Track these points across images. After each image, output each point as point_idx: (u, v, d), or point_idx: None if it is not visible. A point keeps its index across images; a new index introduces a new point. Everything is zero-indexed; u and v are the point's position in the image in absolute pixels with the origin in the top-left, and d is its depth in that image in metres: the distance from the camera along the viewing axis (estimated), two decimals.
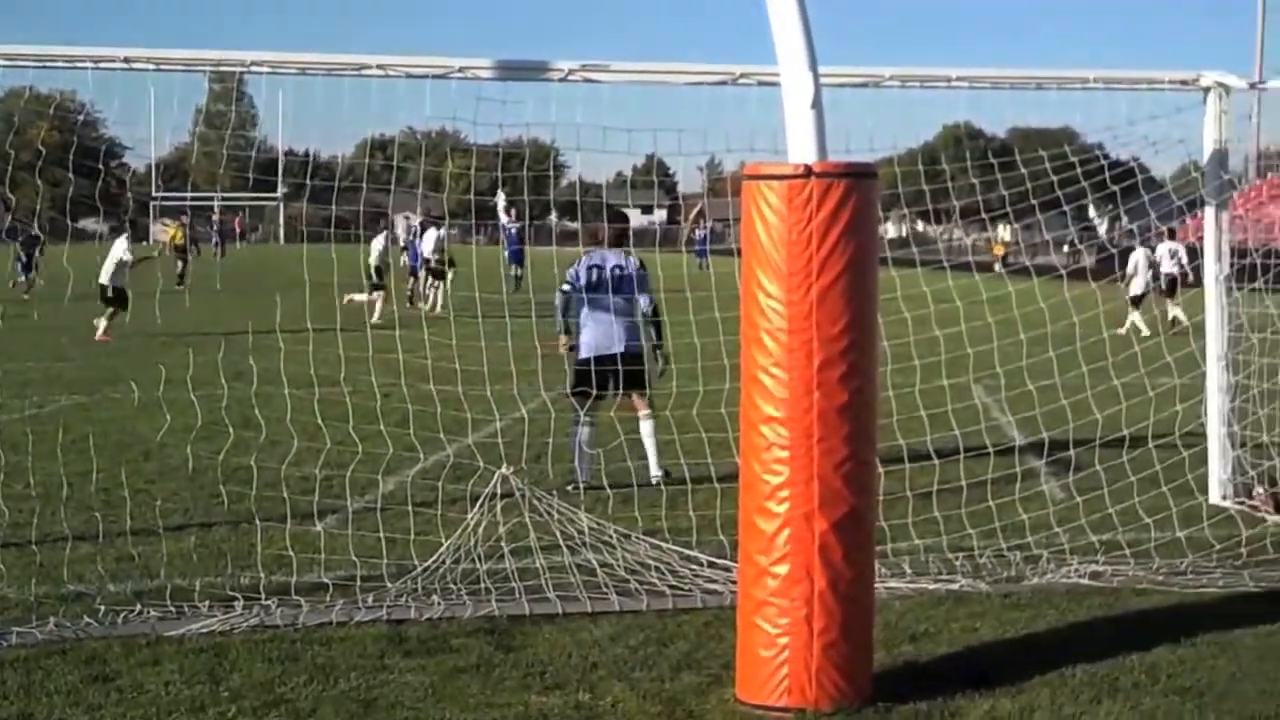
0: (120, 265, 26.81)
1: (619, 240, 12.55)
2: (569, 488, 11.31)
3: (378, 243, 32.03)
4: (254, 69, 9.23)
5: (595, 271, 12.16)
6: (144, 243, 41.62)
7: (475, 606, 8.30)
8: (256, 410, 10.70)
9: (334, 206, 10.42)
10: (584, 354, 12.07)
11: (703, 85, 9.87)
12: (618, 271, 12.14)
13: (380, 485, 10.85)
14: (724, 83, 9.80)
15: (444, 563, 8.90)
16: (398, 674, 7.24)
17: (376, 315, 28.31)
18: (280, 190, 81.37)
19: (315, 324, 10.50)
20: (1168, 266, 29.65)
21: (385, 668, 7.34)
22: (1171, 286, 29.02)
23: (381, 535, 9.42)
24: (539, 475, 11.04)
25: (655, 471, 11.95)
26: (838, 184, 6.64)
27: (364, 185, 10.50)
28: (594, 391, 11.83)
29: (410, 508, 9.92)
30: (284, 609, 8.21)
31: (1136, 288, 27.04)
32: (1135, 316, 24.78)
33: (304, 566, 9.04)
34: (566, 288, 12.21)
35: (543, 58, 9.59)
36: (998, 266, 35.81)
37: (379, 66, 9.20)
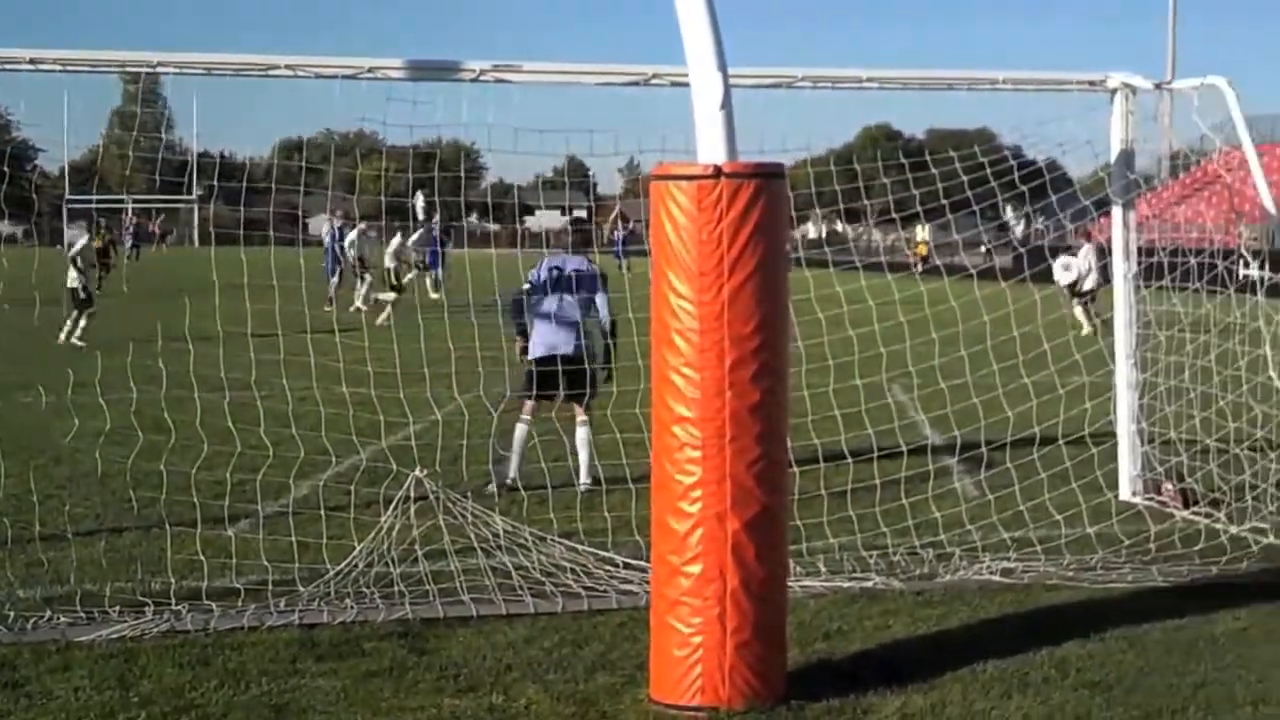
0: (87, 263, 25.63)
1: (583, 244, 12.58)
2: (493, 485, 11.31)
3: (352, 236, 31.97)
4: (160, 69, 9.14)
5: (556, 271, 12.15)
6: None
7: (389, 610, 8.25)
8: (167, 414, 10.57)
9: (242, 208, 10.33)
10: (536, 353, 12.05)
11: (614, 85, 9.88)
12: (575, 275, 12.15)
13: (293, 489, 10.75)
14: (636, 83, 9.82)
15: (357, 566, 8.84)
16: (309, 678, 7.18)
17: (381, 315, 28.25)
18: (194, 192, 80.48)
19: (226, 327, 10.38)
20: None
21: (297, 672, 7.28)
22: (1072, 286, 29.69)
23: (294, 539, 9.35)
24: (454, 478, 10.98)
25: (584, 480, 11.87)
26: (747, 184, 6.66)
27: (273, 186, 10.39)
28: (541, 392, 11.80)
29: (323, 511, 9.84)
30: (195, 614, 8.14)
31: (1089, 284, 26.82)
32: (1079, 310, 24.15)
33: (215, 571, 8.94)
34: (527, 286, 12.17)
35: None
36: (917, 267, 36.23)
37: (287, 67, 9.13)
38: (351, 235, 32.67)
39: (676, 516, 6.80)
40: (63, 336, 24.32)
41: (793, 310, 7.32)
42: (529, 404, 12.08)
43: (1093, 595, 8.83)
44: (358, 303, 31.44)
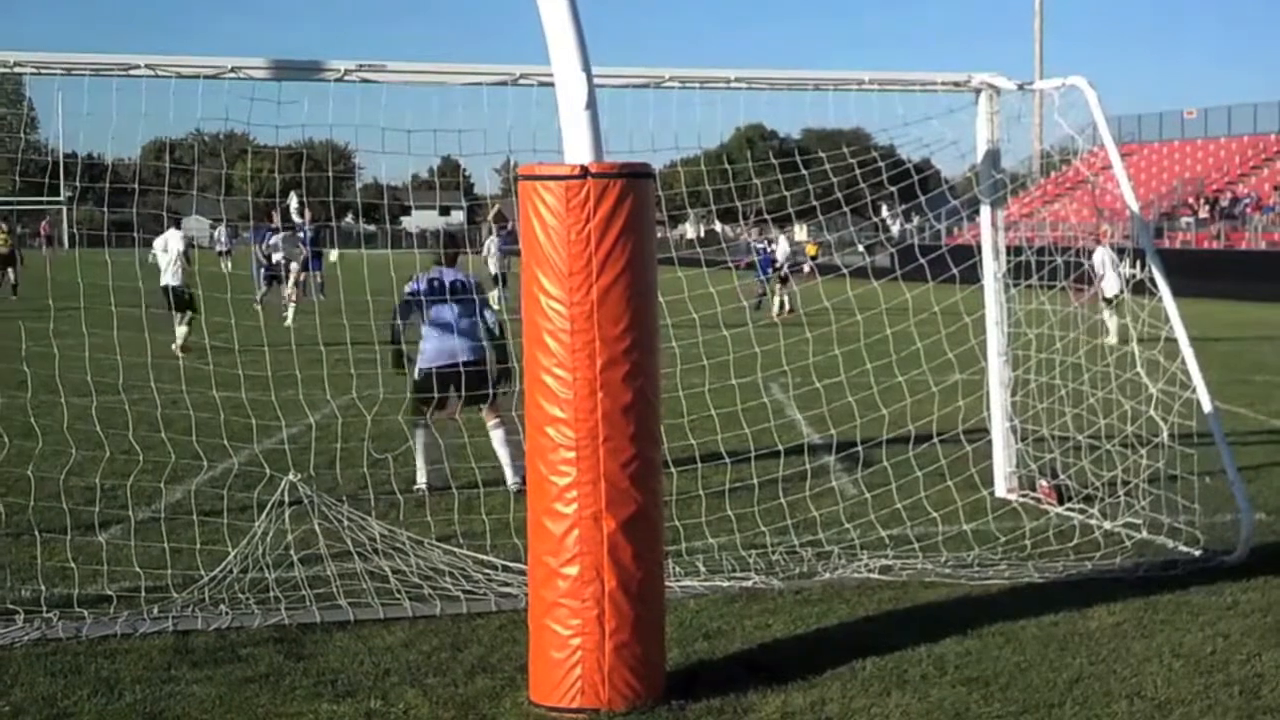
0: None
1: (455, 260, 12.45)
2: (414, 488, 11.33)
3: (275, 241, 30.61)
4: (17, 69, 8.91)
5: (436, 283, 12.05)
6: None
7: (264, 615, 8.13)
8: (34, 419, 10.33)
9: (105, 209, 10.10)
10: (424, 364, 11.93)
11: (481, 85, 9.81)
12: (459, 285, 12.06)
13: (165, 494, 10.56)
14: (504, 83, 9.76)
15: (231, 572, 8.70)
16: (184, 685, 7.05)
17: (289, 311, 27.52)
18: (63, 194, 78.79)
19: (92, 330, 10.16)
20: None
21: (172, 679, 7.14)
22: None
23: (166, 545, 9.17)
24: (330, 482, 10.86)
25: (512, 479, 11.77)
26: (614, 184, 6.64)
27: (136, 187, 10.17)
28: (434, 397, 11.70)
29: (196, 517, 9.68)
30: (66, 621, 7.96)
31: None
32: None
33: (87, 578, 8.75)
34: (408, 296, 12.05)
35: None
36: (806, 266, 36.81)
37: (147, 66, 8.95)
38: (275, 239, 30.99)
39: (552, 518, 6.77)
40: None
41: (667, 311, 7.32)
42: (424, 410, 11.93)
43: (970, 592, 8.93)
44: (288, 317, 28.28)
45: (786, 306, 32.48)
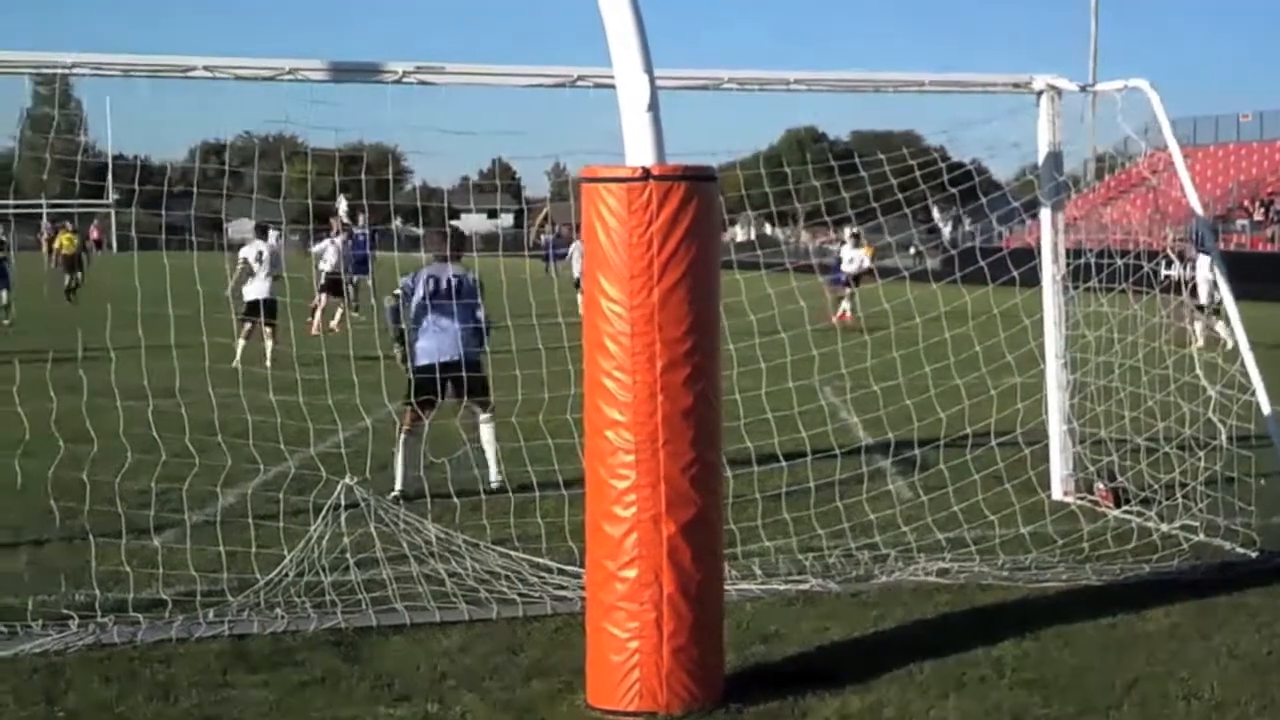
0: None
1: (457, 254, 12.40)
2: (389, 495, 11.17)
3: (328, 251, 28.76)
4: (76, 70, 8.95)
5: (432, 282, 12.00)
6: None
7: (320, 619, 8.13)
8: (89, 423, 10.37)
9: (163, 212, 10.16)
10: (422, 361, 11.87)
11: (540, 88, 9.80)
12: (455, 282, 12.00)
13: (219, 498, 10.59)
14: (562, 85, 9.75)
15: (287, 575, 8.70)
16: (240, 690, 7.06)
17: (314, 327, 26.69)
18: (111, 197, 79.21)
19: (148, 334, 10.20)
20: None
21: (227, 684, 7.15)
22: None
23: (222, 549, 9.19)
24: (384, 485, 10.86)
25: (495, 477, 11.78)
26: (677, 187, 6.61)
27: (195, 190, 10.23)
28: (435, 399, 11.68)
29: (251, 520, 9.68)
30: (121, 626, 7.97)
31: (1203, 295, 24.71)
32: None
33: (141, 582, 8.78)
34: (398, 292, 12.03)
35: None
36: (866, 266, 36.14)
37: (205, 68, 8.98)
38: (319, 246, 29.29)
39: (611, 521, 6.74)
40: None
41: (724, 313, 7.28)
42: (408, 414, 11.83)
43: (1027, 594, 8.86)
44: (332, 323, 27.59)
45: (846, 310, 30.96)
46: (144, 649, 7.68)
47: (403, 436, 11.80)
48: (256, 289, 22.07)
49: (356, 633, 7.98)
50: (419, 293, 11.95)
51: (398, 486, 11.56)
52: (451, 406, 12.26)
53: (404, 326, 12.04)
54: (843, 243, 33.68)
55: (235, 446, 10.85)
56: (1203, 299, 22.36)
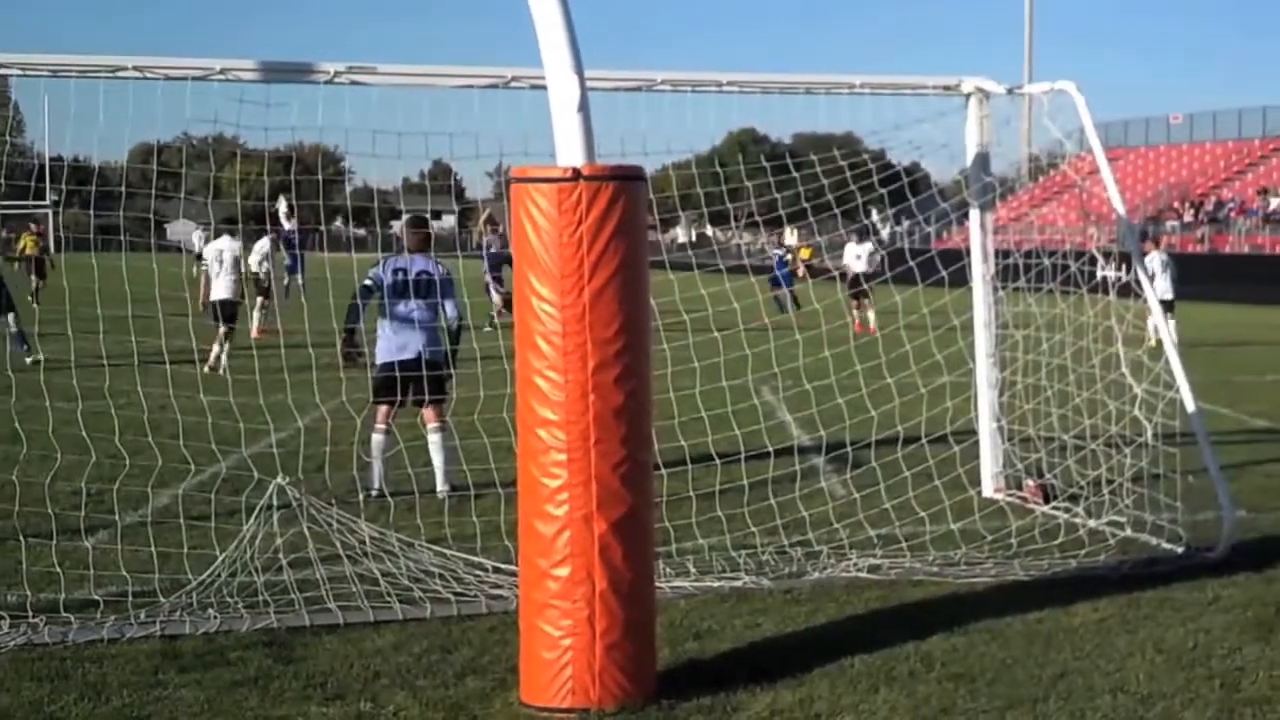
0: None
1: (425, 245, 12.25)
2: (362, 495, 11.18)
3: (261, 247, 27.95)
4: (2, 70, 8.89)
5: (400, 274, 11.87)
6: None
7: (253, 619, 8.11)
8: (19, 424, 10.31)
9: (92, 213, 10.09)
10: (383, 359, 11.79)
11: (473, 88, 9.81)
12: (424, 277, 11.84)
13: (152, 499, 10.54)
14: (495, 86, 9.76)
15: (219, 576, 8.68)
16: (172, 689, 7.04)
17: (254, 328, 26.36)
18: (49, 198, 78.18)
19: (79, 335, 10.14)
20: (857, 266, 28.32)
21: (159, 683, 7.13)
22: (855, 284, 27.42)
23: (154, 550, 9.14)
24: (318, 485, 10.84)
25: (442, 486, 11.71)
26: (606, 186, 6.65)
27: (124, 190, 10.15)
28: (397, 399, 11.61)
29: (184, 521, 9.66)
30: (52, 627, 7.93)
31: (1163, 292, 24.98)
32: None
33: (73, 583, 8.73)
34: (369, 283, 11.90)
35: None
36: (800, 272, 35.73)
37: (135, 68, 8.94)
38: (261, 244, 28.38)
39: (543, 519, 6.78)
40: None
41: (658, 313, 7.33)
42: (383, 410, 11.81)
43: (957, 590, 8.96)
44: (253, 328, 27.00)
45: (859, 320, 26.50)
46: (76, 649, 7.65)
47: (372, 435, 11.76)
48: (218, 290, 21.77)
49: (289, 632, 7.98)
50: (386, 281, 11.83)
51: (375, 483, 11.51)
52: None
53: (357, 326, 11.95)
54: (785, 246, 33.31)
55: (167, 447, 10.79)
56: (1161, 295, 22.61)
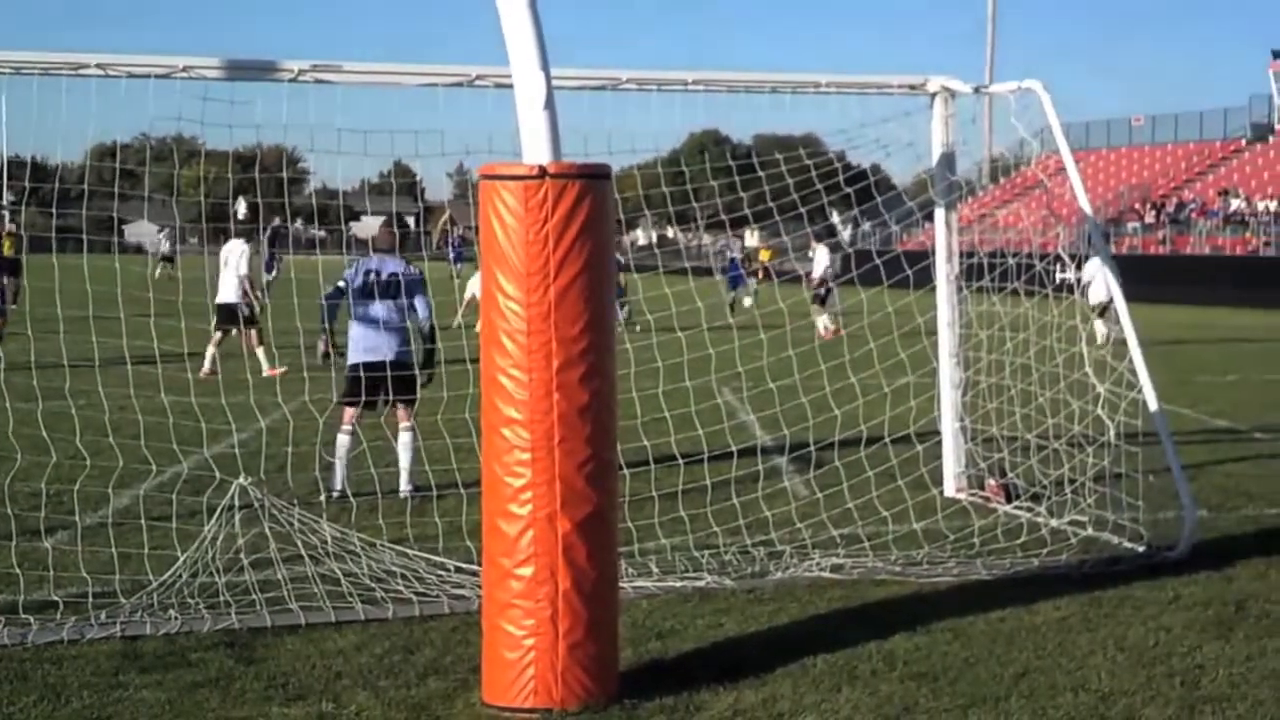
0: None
1: (396, 245, 12.24)
2: (324, 496, 11.12)
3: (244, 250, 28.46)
4: None
5: (371, 275, 11.84)
6: None
7: (214, 620, 8.06)
8: None
9: (54, 212, 10.01)
10: (354, 359, 11.79)
11: (437, 86, 9.78)
12: (394, 279, 11.83)
13: (112, 499, 10.46)
14: (459, 84, 9.73)
15: (180, 577, 8.62)
16: (132, 690, 6.98)
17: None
18: (6, 198, 77.66)
19: (38, 335, 10.07)
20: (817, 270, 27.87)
21: (120, 685, 7.07)
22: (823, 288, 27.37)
23: (114, 551, 9.08)
24: (280, 486, 10.79)
25: (405, 486, 11.68)
26: (572, 185, 6.64)
27: (86, 189, 10.07)
28: (364, 399, 11.59)
29: (144, 522, 9.59)
30: (11, 628, 7.85)
31: (1098, 295, 23.89)
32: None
33: (33, 584, 8.64)
34: (342, 284, 11.90)
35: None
36: (759, 274, 35.54)
37: (98, 65, 8.87)
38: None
39: (507, 519, 6.76)
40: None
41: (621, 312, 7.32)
42: (349, 411, 11.78)
43: (919, 589, 8.98)
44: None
45: (830, 326, 25.77)
46: (35, 650, 7.58)
47: (338, 436, 11.73)
48: (224, 293, 20.92)
49: (251, 633, 7.92)
50: (356, 283, 11.84)
51: (338, 484, 11.48)
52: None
53: (330, 326, 11.95)
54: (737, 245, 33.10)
55: (128, 448, 10.73)
56: (1099, 298, 22.64)
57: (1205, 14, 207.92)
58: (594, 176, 6.75)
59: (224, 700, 6.86)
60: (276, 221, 29.37)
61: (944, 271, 11.86)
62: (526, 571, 6.71)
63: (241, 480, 9.24)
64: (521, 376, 6.68)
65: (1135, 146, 74.21)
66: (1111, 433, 10.34)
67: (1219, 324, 36.77)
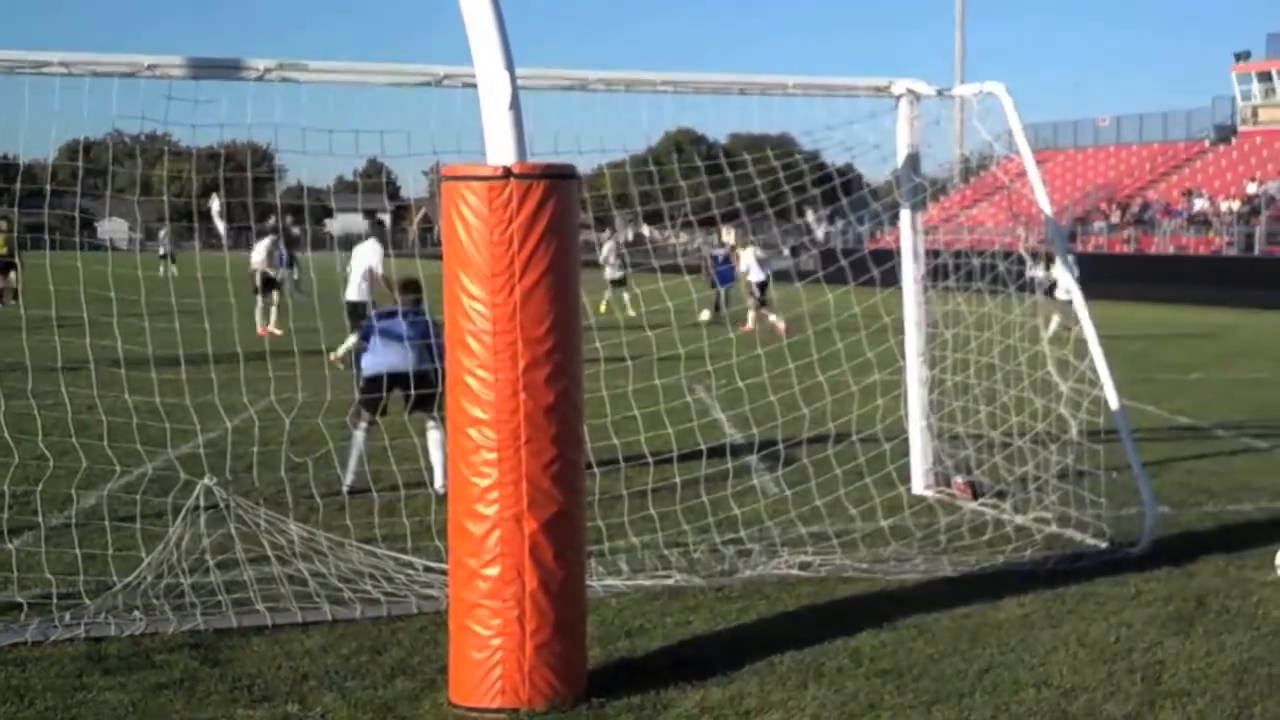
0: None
1: (416, 305, 12.29)
2: (343, 490, 11.29)
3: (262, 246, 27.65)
4: None
5: (387, 318, 12.05)
6: None
7: (179, 621, 8.03)
8: None
9: (17, 210, 9.96)
10: (370, 371, 11.88)
11: (404, 86, 9.76)
12: (411, 317, 11.96)
13: (77, 500, 10.41)
14: (427, 84, 9.71)
15: (146, 578, 8.58)
16: (96, 692, 6.96)
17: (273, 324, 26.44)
18: None
19: (2, 333, 10.01)
20: (757, 274, 26.86)
21: (84, 686, 7.05)
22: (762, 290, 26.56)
23: (79, 552, 9.05)
24: (246, 486, 10.76)
25: (439, 483, 11.63)
26: (537, 185, 6.64)
27: (47, 188, 10.03)
28: (382, 398, 11.73)
29: (109, 523, 9.55)
30: None
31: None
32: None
33: None
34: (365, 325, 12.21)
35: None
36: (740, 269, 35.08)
37: (61, 64, 8.82)
38: (263, 243, 27.92)
39: (473, 519, 6.76)
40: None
41: (590, 311, 7.33)
42: (365, 416, 11.94)
43: (886, 586, 9.02)
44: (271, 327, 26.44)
45: (778, 323, 23.78)
46: None
47: (355, 433, 11.85)
48: (351, 291, 20.96)
49: (216, 634, 7.90)
50: (375, 325, 12.06)
51: (348, 481, 11.57)
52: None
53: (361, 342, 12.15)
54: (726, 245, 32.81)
55: (93, 448, 10.67)
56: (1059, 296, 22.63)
57: (1170, 16, 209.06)
58: (559, 176, 6.75)
59: (189, 702, 6.85)
60: (289, 220, 29.36)
61: (910, 271, 11.91)
62: (493, 572, 6.71)
63: (207, 480, 9.20)
64: (487, 377, 6.68)
65: (1101, 147, 74.53)
66: (1074, 430, 10.41)
67: (1183, 322, 37.00)
